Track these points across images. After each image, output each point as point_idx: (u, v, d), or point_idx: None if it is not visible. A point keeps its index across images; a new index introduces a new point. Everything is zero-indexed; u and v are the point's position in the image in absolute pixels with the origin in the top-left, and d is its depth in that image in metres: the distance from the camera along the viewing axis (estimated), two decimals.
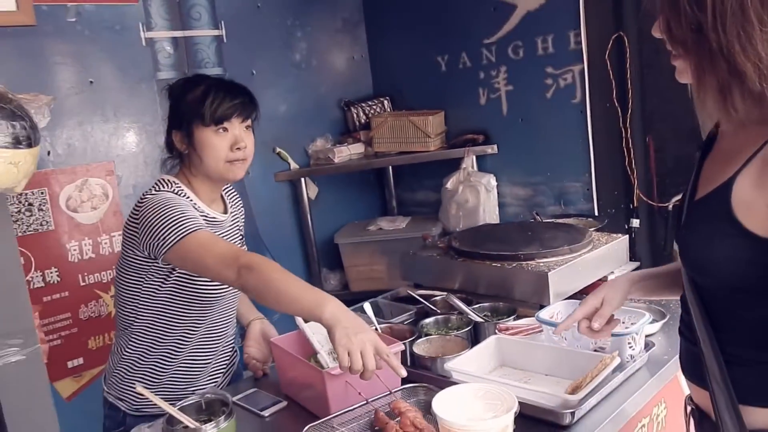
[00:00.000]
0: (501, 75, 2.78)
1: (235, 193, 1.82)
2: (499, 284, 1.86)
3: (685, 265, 1.04)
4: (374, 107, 3.23)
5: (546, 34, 2.59)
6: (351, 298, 2.22)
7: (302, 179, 2.98)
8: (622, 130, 2.45)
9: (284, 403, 1.52)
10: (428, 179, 3.16)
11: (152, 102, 2.50)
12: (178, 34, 2.54)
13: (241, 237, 1.78)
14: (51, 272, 2.26)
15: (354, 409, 1.34)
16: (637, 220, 2.48)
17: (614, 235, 2.08)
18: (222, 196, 1.72)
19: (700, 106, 0.92)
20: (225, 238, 1.65)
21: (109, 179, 2.40)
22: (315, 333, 1.59)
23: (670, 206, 2.43)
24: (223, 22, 2.69)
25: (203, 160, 1.57)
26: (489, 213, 2.88)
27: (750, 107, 0.88)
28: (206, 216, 1.61)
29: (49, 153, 2.24)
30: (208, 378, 1.71)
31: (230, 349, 1.78)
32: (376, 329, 1.77)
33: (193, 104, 1.55)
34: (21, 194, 2.18)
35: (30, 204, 2.20)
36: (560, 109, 2.62)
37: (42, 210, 2.23)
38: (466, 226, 2.82)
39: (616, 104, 2.44)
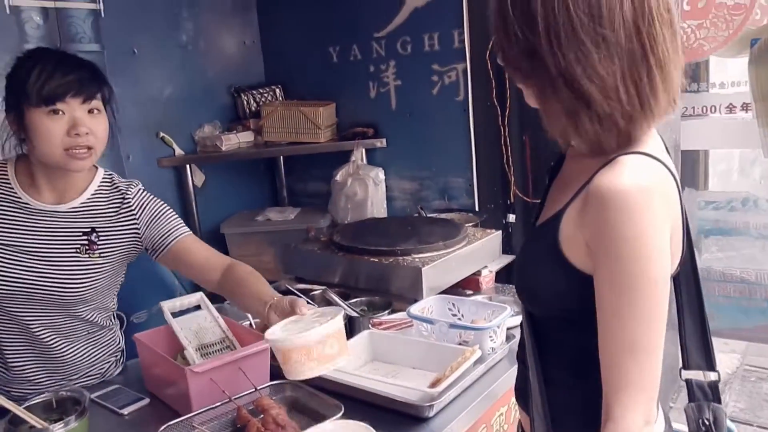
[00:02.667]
0: (390, 69, 2.81)
1: (120, 191, 1.59)
2: (377, 279, 1.90)
3: (516, 290, 1.06)
4: (266, 95, 3.17)
5: (432, 32, 2.64)
6: None
7: (188, 166, 2.89)
8: (501, 128, 2.54)
9: (146, 401, 1.47)
10: (319, 170, 3.15)
11: None
12: (48, 3, 2.37)
13: (85, 234, 1.53)
14: None
15: (216, 407, 1.32)
16: (513, 216, 2.60)
17: (489, 230, 2.17)
18: (87, 186, 1.55)
19: (550, 131, 0.91)
20: (47, 229, 1.49)
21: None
22: (183, 328, 1.55)
23: None
24: None
25: (36, 147, 1.40)
26: (377, 206, 2.91)
27: (600, 131, 0.86)
28: (17, 201, 1.47)
29: None
30: (84, 375, 1.62)
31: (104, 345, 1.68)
32: (250, 324, 1.75)
33: (20, 81, 1.36)
34: None
35: None
36: (445, 105, 2.68)
37: None
38: (355, 219, 2.84)
39: (496, 103, 2.53)
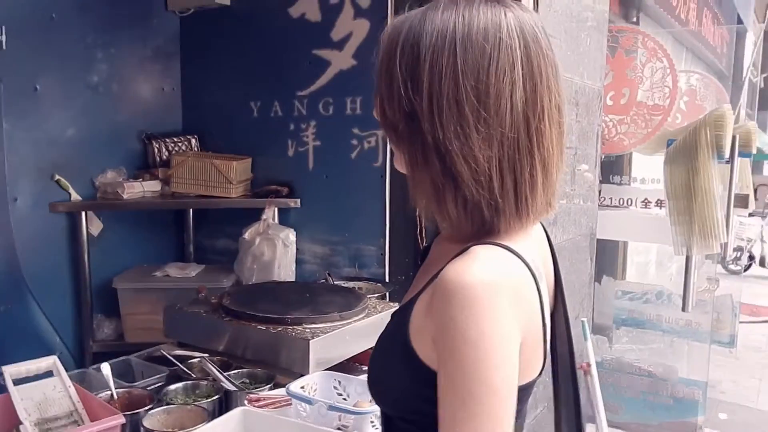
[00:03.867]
0: (310, 129, 2.74)
1: None
2: (264, 349, 1.75)
3: (367, 383, 0.92)
4: (180, 144, 3.03)
5: (355, 95, 2.60)
6: (123, 350, 1.97)
7: (83, 213, 2.68)
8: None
9: None
10: (230, 227, 3.00)
11: None
12: None
13: None
14: None
15: None
16: None
17: (392, 303, 2.06)
18: None
19: (413, 202, 0.83)
20: None
21: None
22: (24, 398, 1.36)
23: None
24: (4, 28, 2.38)
25: None
26: (285, 269, 2.77)
27: (462, 215, 0.77)
28: None
29: None
30: None
31: None
32: (112, 395, 1.56)
33: None
34: None
35: None
36: (363, 170, 2.62)
37: None
38: (260, 280, 2.69)
39: None
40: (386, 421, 0.91)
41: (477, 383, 0.71)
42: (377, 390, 0.88)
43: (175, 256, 3.15)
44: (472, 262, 0.73)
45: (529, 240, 0.85)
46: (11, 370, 1.38)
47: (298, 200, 2.79)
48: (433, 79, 0.75)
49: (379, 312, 1.96)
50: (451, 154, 0.74)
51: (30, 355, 2.59)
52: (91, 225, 2.77)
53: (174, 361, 1.72)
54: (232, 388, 1.60)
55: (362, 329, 1.86)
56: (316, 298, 1.96)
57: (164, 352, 1.77)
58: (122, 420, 1.28)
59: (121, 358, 1.83)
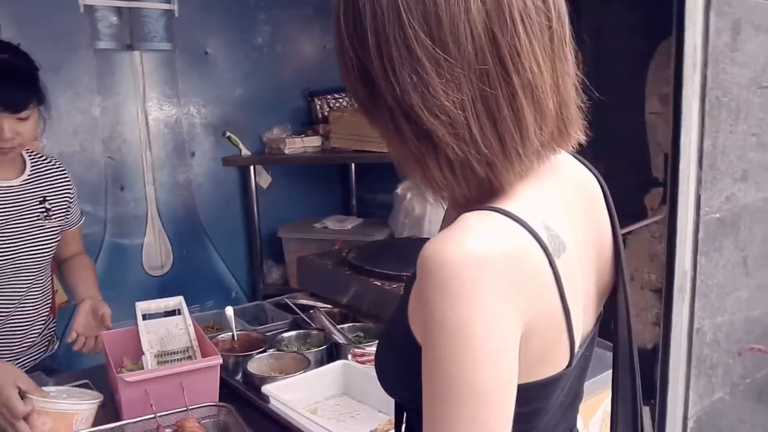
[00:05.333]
0: None
1: (51, 162, 1.73)
2: (378, 305, 1.73)
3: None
4: (341, 100, 3.10)
5: None
6: (288, 293, 2.12)
7: (252, 167, 2.89)
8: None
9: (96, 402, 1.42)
10: (389, 181, 3.01)
11: (87, 72, 2.44)
12: (122, 3, 2.46)
13: (41, 203, 1.66)
14: None
15: (137, 421, 1.24)
16: None
17: None
18: (24, 160, 1.67)
19: (410, 181, 0.70)
20: (13, 200, 1.60)
21: (32, 145, 2.34)
22: (150, 332, 1.50)
23: None
24: None
25: None
26: (435, 224, 2.72)
27: (453, 181, 0.64)
28: None
29: None
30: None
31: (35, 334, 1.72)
32: (233, 335, 1.66)
33: None
34: None
35: None
36: None
37: None
38: (411, 236, 2.69)
39: None
40: (398, 410, 0.83)
41: (456, 381, 0.59)
42: (382, 375, 0.78)
43: (340, 209, 3.26)
44: (454, 233, 0.60)
45: (551, 198, 0.69)
46: (142, 306, 1.53)
47: None
48: (376, 28, 0.62)
49: None
50: (416, 111, 0.61)
51: (210, 292, 2.93)
52: (261, 178, 2.97)
53: (296, 309, 1.78)
54: (340, 340, 1.61)
55: None
56: None
57: (288, 300, 1.84)
58: (220, 361, 1.36)
59: (255, 303, 1.94)
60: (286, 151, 2.86)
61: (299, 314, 1.77)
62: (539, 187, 0.68)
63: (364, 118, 0.70)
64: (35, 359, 1.72)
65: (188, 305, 2.84)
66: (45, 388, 1.30)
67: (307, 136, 2.97)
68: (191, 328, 1.51)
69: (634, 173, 2.18)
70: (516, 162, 0.64)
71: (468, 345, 0.58)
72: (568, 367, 0.69)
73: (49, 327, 1.78)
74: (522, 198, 0.66)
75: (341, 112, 2.89)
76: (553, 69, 0.64)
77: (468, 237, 0.60)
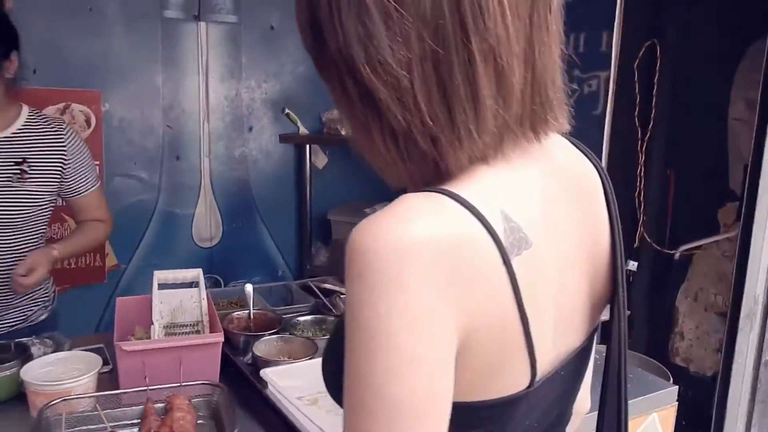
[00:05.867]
0: None
1: (51, 124, 1.64)
2: None
3: None
4: None
5: (578, 31, 2.24)
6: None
7: (308, 146, 2.85)
8: (639, 154, 2.08)
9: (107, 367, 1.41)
10: None
11: (153, 39, 2.46)
12: None
13: (18, 164, 1.57)
14: None
15: (128, 392, 1.21)
16: (635, 263, 2.11)
17: None
18: (16, 116, 1.60)
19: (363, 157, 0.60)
20: None
21: (94, 108, 2.40)
22: (163, 302, 1.47)
23: (677, 255, 2.04)
24: None
25: None
26: None
27: (397, 157, 0.55)
28: None
29: (35, 71, 2.27)
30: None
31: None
32: (249, 313, 1.62)
33: None
34: None
35: None
36: (580, 118, 2.26)
37: None
38: None
39: (637, 124, 2.07)
40: None
41: (367, 389, 0.49)
42: (326, 380, 0.68)
43: (395, 195, 3.17)
44: (384, 215, 0.51)
45: (522, 187, 0.58)
46: (160, 275, 1.51)
47: None
48: None
49: None
50: (358, 67, 0.52)
51: (257, 269, 2.92)
52: (317, 158, 2.93)
53: (318, 293, 1.72)
54: None
55: None
56: None
57: (311, 284, 1.78)
58: (221, 339, 1.31)
59: (282, 283, 1.90)
60: (343, 133, 2.80)
61: (321, 298, 1.70)
62: (508, 173, 0.57)
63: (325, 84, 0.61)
64: (23, 321, 1.67)
65: (234, 280, 2.86)
66: (52, 355, 1.31)
67: None
68: (204, 302, 1.48)
69: (709, 183, 1.98)
70: (466, 142, 0.53)
71: (384, 347, 0.49)
72: (529, 387, 0.58)
73: (40, 291, 1.71)
74: (481, 183, 0.55)
75: None
76: (528, 38, 0.53)
77: (398, 220, 0.50)
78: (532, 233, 0.56)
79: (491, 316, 0.53)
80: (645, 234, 2.08)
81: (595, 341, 0.71)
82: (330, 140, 2.88)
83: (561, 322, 0.62)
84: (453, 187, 0.54)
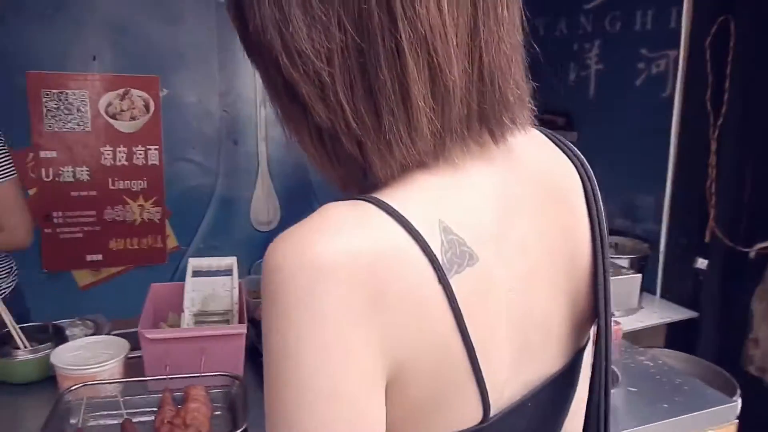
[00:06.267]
0: (594, 50, 2.31)
1: None
2: None
3: None
4: None
5: (646, 7, 2.07)
6: None
7: None
8: (710, 141, 1.91)
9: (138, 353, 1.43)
10: None
11: (209, 25, 2.49)
12: None
13: None
14: (82, 170, 2.41)
15: (147, 380, 1.22)
16: (705, 261, 1.95)
17: (625, 269, 1.65)
18: None
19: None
20: None
21: (152, 93, 2.46)
22: (196, 290, 1.48)
23: (752, 254, 1.87)
24: None
25: None
26: None
27: (328, 161, 0.50)
28: None
29: (94, 58, 2.34)
30: None
31: None
32: None
33: None
34: (61, 92, 2.32)
35: (70, 103, 2.34)
36: (647, 100, 2.11)
37: (81, 111, 2.36)
38: None
39: (709, 108, 1.89)
40: None
41: (282, 424, 0.44)
42: None
43: None
44: (297, 229, 0.45)
45: (473, 193, 0.51)
46: (194, 263, 1.52)
47: (575, 133, 2.42)
48: None
49: None
50: (276, 56, 0.46)
51: None
52: None
53: None
54: None
55: None
56: None
57: None
58: (244, 330, 1.30)
59: None
60: None
61: None
62: (455, 180, 0.50)
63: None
64: None
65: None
66: (84, 339, 1.35)
67: None
68: (236, 291, 1.48)
69: None
70: (397, 147, 0.46)
71: (294, 379, 0.43)
72: (482, 422, 0.51)
73: None
74: (419, 191, 0.48)
75: None
76: (471, 26, 0.46)
77: (313, 234, 0.44)
78: (479, 248, 0.49)
79: (427, 344, 0.46)
80: (716, 230, 1.91)
81: (583, 362, 0.63)
82: None
83: (529, 346, 0.55)
84: (385, 194, 0.47)
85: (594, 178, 0.60)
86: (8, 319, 1.34)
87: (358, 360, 0.44)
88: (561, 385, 0.60)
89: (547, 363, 0.58)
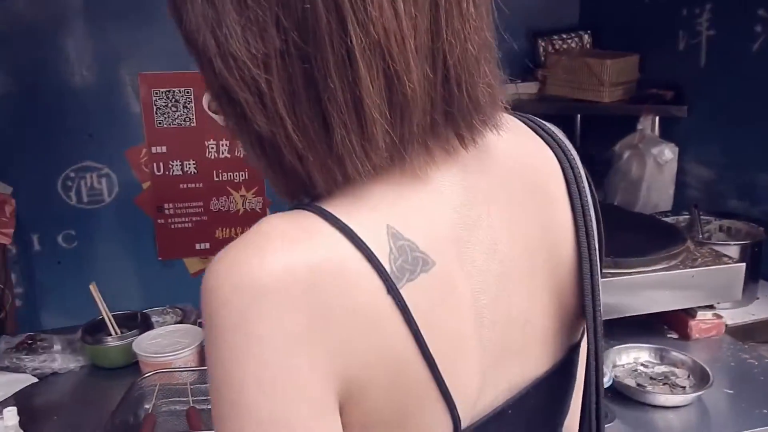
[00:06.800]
0: (705, 14, 2.08)
1: None
2: None
3: None
4: (569, 41, 2.74)
5: None
6: None
7: None
8: None
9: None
10: (610, 137, 2.62)
11: None
12: None
13: None
14: (189, 164, 2.56)
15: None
16: None
17: (726, 257, 1.49)
18: None
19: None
20: None
21: None
22: None
23: None
24: None
25: None
26: (658, 192, 2.29)
27: (271, 172, 0.48)
28: None
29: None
30: None
31: None
32: None
33: None
34: (168, 91, 2.47)
35: (176, 100, 2.49)
36: (766, 68, 1.88)
37: (186, 107, 2.51)
38: (623, 202, 2.32)
39: None
40: None
41: None
42: None
43: None
44: (233, 247, 0.44)
45: (429, 193, 0.47)
46: None
47: (685, 108, 2.21)
48: None
49: (701, 266, 1.45)
50: (209, 59, 0.44)
51: None
52: None
53: None
54: None
55: (662, 282, 1.41)
56: (612, 232, 1.56)
57: None
58: None
59: None
60: None
61: None
62: (405, 179, 0.46)
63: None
64: None
65: None
66: (166, 327, 1.44)
67: (523, 81, 2.71)
68: None
69: None
70: (348, 161, 0.44)
71: (234, 407, 0.42)
72: None
73: None
74: (365, 195, 0.45)
75: (559, 55, 2.56)
76: (432, 27, 0.42)
77: (247, 251, 0.43)
78: (435, 252, 0.46)
79: (382, 360, 0.44)
80: None
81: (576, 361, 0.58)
82: None
83: (510, 348, 0.50)
84: (331, 203, 0.45)
85: (578, 165, 0.54)
86: (102, 307, 1.46)
87: (303, 385, 0.42)
88: (552, 385, 0.56)
89: (532, 364, 0.54)
